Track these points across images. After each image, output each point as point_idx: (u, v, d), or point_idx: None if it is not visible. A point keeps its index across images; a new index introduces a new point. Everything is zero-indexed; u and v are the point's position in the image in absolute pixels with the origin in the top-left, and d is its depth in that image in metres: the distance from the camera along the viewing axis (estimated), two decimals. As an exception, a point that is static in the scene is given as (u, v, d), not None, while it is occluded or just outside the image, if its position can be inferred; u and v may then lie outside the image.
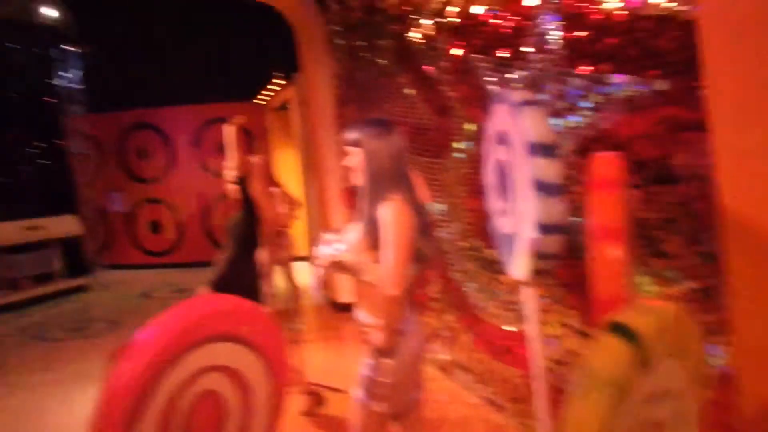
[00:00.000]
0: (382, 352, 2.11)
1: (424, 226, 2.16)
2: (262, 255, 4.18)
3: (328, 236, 2.27)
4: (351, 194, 6.04)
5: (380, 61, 5.06)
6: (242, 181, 3.88)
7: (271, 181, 4.77)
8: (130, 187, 10.89)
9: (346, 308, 6.23)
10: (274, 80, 8.21)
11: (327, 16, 6.05)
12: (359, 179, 2.16)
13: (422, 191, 2.31)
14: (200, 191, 10.63)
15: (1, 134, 9.32)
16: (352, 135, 2.18)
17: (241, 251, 3.97)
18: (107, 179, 10.95)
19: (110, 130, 10.83)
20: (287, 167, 8.46)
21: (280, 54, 7.92)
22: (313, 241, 7.73)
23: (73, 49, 10.63)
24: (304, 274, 6.33)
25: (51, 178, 10.17)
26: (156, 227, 10.88)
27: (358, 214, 2.15)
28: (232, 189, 3.97)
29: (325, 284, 2.26)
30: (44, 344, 6.42)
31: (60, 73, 10.63)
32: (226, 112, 10.43)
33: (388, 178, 2.10)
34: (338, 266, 2.19)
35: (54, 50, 10.54)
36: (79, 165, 10.67)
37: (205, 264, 10.21)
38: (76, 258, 9.69)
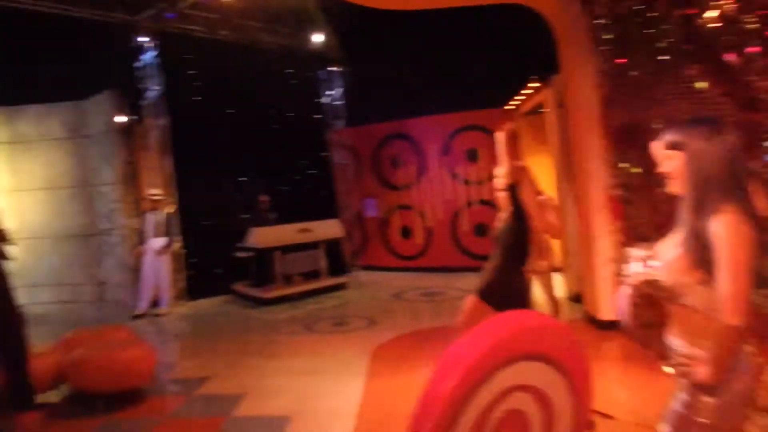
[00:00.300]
0: (704, 388, 1.82)
1: (763, 243, 1.79)
2: (532, 264, 4.00)
3: (639, 252, 2.00)
4: (618, 203, 5.58)
5: (661, 53, 4.53)
6: (512, 189, 3.74)
7: (536, 188, 4.58)
8: (384, 194, 11.61)
9: (607, 325, 5.79)
10: (527, 84, 8.00)
11: (592, 10, 5.65)
12: (679, 187, 1.88)
13: (760, 201, 1.92)
14: (448, 198, 10.87)
15: (282, 149, 10.65)
16: (671, 136, 1.90)
17: (509, 260, 3.84)
18: (364, 187, 11.83)
19: (367, 141, 11.69)
20: (539, 174, 8.15)
21: (532, 56, 7.69)
22: (566, 252, 7.32)
23: (336, 69, 11.73)
24: (559, 286, 5.99)
25: (318, 186, 11.35)
26: (407, 232, 11.42)
27: (678, 227, 1.86)
28: (502, 196, 3.86)
29: (635, 306, 1.98)
30: (311, 335, 7.08)
31: (325, 92, 11.81)
32: (473, 119, 10.71)
33: (717, 186, 1.80)
34: (652, 286, 1.92)
35: (321, 72, 11.76)
36: (339, 174, 11.72)
37: (451, 270, 10.60)
38: (336, 258, 10.61)
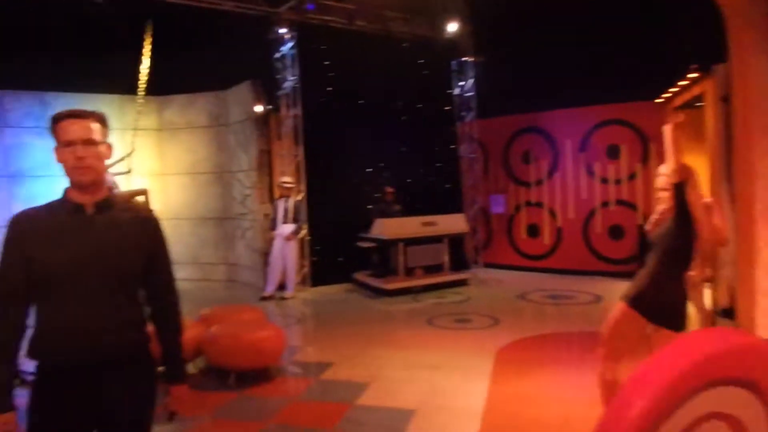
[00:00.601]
0: None
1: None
2: (692, 272, 3.55)
3: None
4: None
5: None
6: (678, 188, 3.30)
7: (700, 190, 4.07)
8: (512, 189, 11.19)
9: None
10: (684, 75, 7.25)
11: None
12: None
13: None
14: (582, 197, 10.25)
15: (410, 140, 10.57)
16: None
17: (668, 266, 3.41)
18: (491, 182, 11.48)
19: (497, 134, 11.31)
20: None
21: (691, 44, 6.95)
22: (718, 260, 6.56)
23: (468, 59, 11.43)
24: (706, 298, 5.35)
25: (444, 180, 11.15)
26: (534, 231, 10.93)
27: None
28: (665, 196, 3.44)
29: None
30: (433, 329, 6.91)
31: (456, 83, 11.56)
32: (617, 113, 10.00)
33: None
34: None
35: (453, 62, 11.52)
36: (467, 167, 11.45)
37: (580, 273, 10.01)
38: (459, 254, 10.37)
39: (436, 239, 9.37)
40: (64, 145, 2.00)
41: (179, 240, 10.14)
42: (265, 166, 9.47)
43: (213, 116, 10.50)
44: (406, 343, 6.37)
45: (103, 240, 2.04)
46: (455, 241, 9.94)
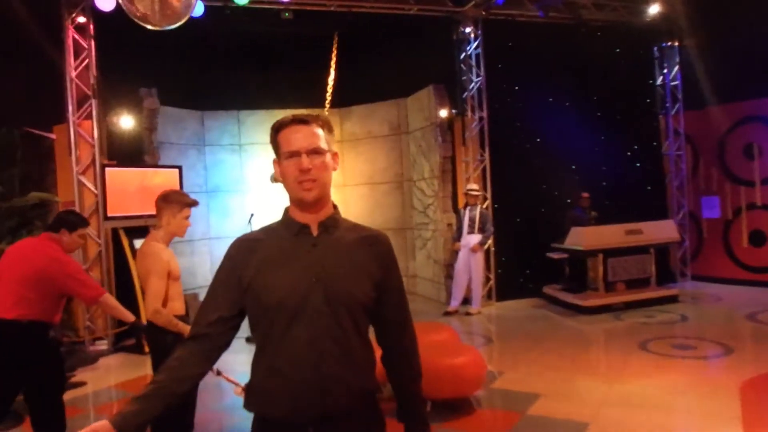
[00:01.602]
0: None
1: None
2: None
3: None
4: None
5: None
6: None
7: None
8: (730, 190, 9.59)
9: None
10: None
11: None
12: None
13: None
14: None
15: (605, 139, 9.51)
16: None
17: None
18: (701, 182, 9.96)
19: (710, 127, 9.78)
20: None
21: None
22: None
23: (672, 45, 10.06)
24: None
25: (645, 182, 9.88)
26: (758, 239, 9.25)
27: None
28: None
29: None
30: (647, 355, 5.94)
31: (659, 72, 10.23)
32: None
33: None
34: None
35: (654, 49, 10.21)
36: (672, 167, 10.05)
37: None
38: (664, 266, 9.07)
39: (641, 249, 8.24)
40: (287, 157, 1.69)
41: None
42: (449, 173, 9.05)
43: (393, 124, 10.36)
44: (619, 372, 5.49)
45: (330, 266, 1.69)
46: (661, 252, 8.68)
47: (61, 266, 3.72)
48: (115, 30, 7.00)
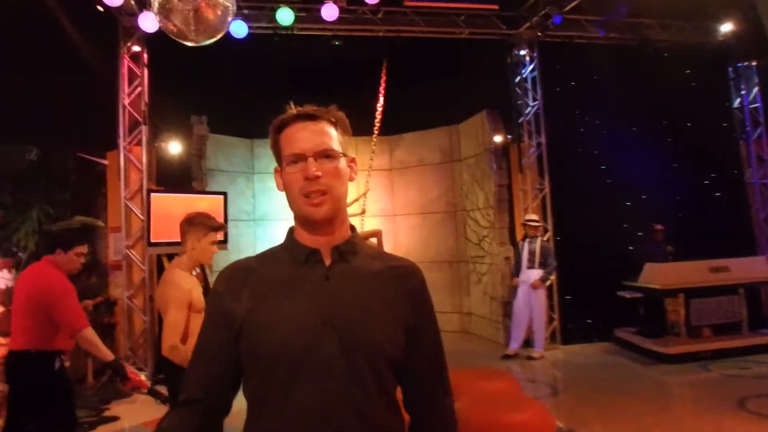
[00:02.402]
0: None
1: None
2: None
3: None
4: None
5: None
6: None
7: None
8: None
9: None
10: None
11: None
12: None
13: None
14: None
15: (678, 166, 8.70)
16: None
17: None
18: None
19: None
20: None
21: None
22: None
23: (750, 64, 9.21)
24: None
25: (726, 213, 8.93)
26: None
27: None
28: None
29: None
30: (748, 417, 5.04)
31: (736, 93, 9.38)
32: None
33: None
34: None
35: (729, 70, 9.38)
36: (757, 196, 9.09)
37: None
38: (756, 308, 8.06)
39: (728, 290, 7.32)
40: (289, 162, 1.32)
41: None
42: (505, 202, 8.40)
43: (444, 152, 9.86)
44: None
45: (347, 304, 1.27)
46: (752, 293, 7.71)
47: (48, 289, 3.49)
48: (167, 58, 7.03)
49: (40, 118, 6.92)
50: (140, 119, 7.43)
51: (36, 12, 6.64)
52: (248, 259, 1.39)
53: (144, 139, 7.43)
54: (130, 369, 3.60)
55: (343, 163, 1.33)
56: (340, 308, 1.25)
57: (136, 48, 7.49)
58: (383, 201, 10.19)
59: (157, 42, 7.04)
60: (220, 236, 3.31)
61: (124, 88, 7.45)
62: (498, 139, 8.35)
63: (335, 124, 1.35)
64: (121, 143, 7.39)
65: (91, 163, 7.78)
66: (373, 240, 8.61)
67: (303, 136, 1.30)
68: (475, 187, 9.07)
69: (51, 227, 6.96)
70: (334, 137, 1.33)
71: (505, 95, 8.74)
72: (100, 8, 6.50)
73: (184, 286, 3.07)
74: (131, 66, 7.51)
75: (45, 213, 7.15)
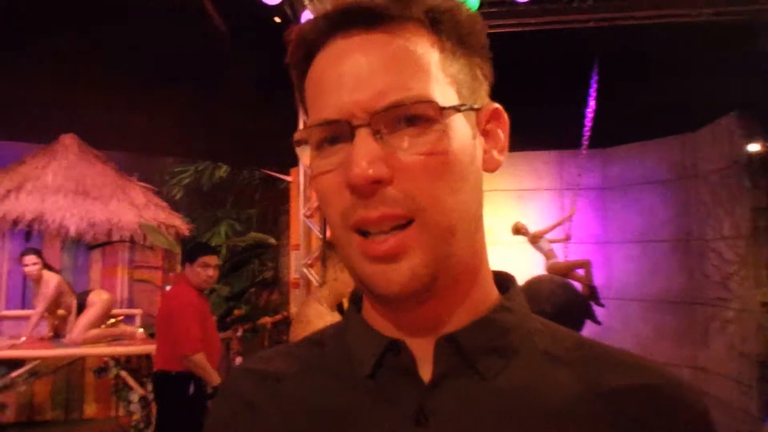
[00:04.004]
0: None
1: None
2: None
3: None
4: None
5: None
6: None
7: None
8: None
9: None
10: None
11: None
12: None
13: None
14: None
15: None
16: None
17: None
18: None
19: None
20: None
21: None
22: None
23: None
24: None
25: None
26: None
27: None
28: None
29: None
30: None
31: None
32: None
33: None
34: None
35: None
36: None
37: None
38: None
39: None
40: (319, 142, 0.59)
41: (625, 326, 8.06)
42: (763, 232, 6.48)
43: (676, 166, 8.11)
44: None
45: None
46: None
47: (170, 307, 3.49)
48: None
49: (229, 137, 7.00)
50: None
51: (229, 41, 6.88)
52: (272, 356, 0.70)
53: (326, 156, 7.20)
54: None
55: (458, 129, 0.57)
56: None
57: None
58: (592, 225, 8.75)
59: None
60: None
61: (304, 104, 7.37)
62: (754, 148, 6.49)
63: (435, 29, 0.58)
64: (302, 159, 7.24)
65: (277, 180, 7.78)
66: (580, 272, 7.39)
67: (346, 69, 0.56)
68: (718, 210, 7.20)
69: (229, 243, 6.98)
70: (430, 64, 0.57)
71: (761, 93, 6.76)
72: (277, 19, 6.32)
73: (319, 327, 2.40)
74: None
75: (232, 228, 7.19)
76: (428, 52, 0.57)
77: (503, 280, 0.67)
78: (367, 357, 0.60)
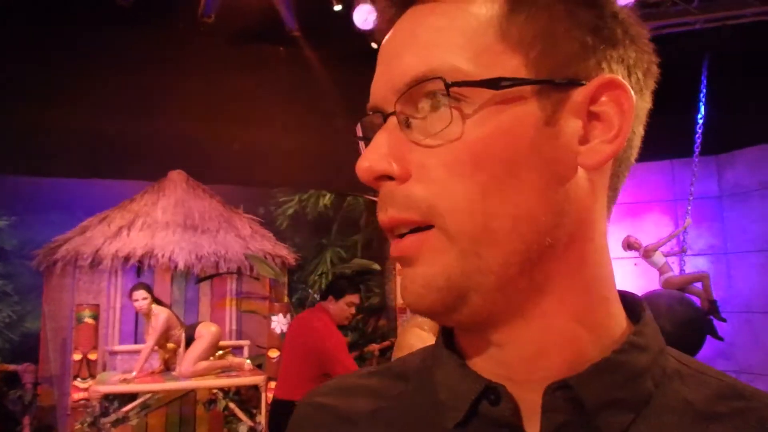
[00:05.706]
0: None
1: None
2: None
3: None
4: None
5: None
6: None
7: None
8: None
9: None
10: None
11: None
12: None
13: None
14: None
15: None
16: None
17: None
18: None
19: None
20: None
21: None
22: None
23: None
24: None
25: None
26: None
27: None
28: None
29: None
30: None
31: None
32: None
33: None
34: None
35: None
36: None
37: None
38: None
39: None
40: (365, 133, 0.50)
41: (753, 342, 7.56)
42: None
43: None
44: None
45: None
46: None
47: (319, 338, 3.39)
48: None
49: (333, 165, 7.17)
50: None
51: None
52: (352, 385, 0.58)
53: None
54: None
55: (499, 111, 0.43)
56: None
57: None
58: (709, 236, 8.28)
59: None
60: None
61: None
62: None
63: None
64: (400, 182, 7.31)
65: (381, 205, 7.92)
66: (698, 286, 7.01)
67: (385, 45, 0.48)
68: None
69: (334, 270, 7.10)
70: (478, 23, 0.43)
71: None
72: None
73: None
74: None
75: (337, 255, 7.30)
76: (486, 7, 0.44)
77: (630, 305, 0.52)
78: (457, 402, 0.48)
